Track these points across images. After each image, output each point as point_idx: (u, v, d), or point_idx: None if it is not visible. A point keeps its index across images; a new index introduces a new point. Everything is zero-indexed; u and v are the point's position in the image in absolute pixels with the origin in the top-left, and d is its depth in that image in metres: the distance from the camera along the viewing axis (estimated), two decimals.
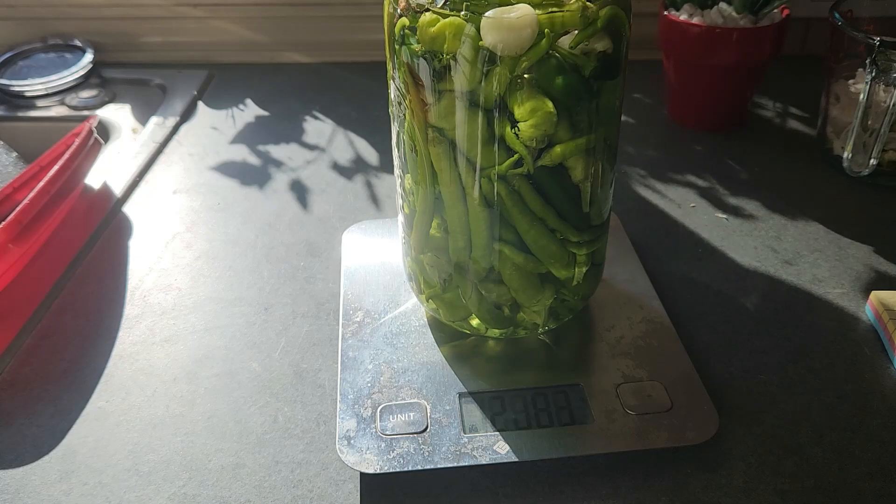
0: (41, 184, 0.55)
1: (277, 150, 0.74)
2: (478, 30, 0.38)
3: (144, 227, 0.63)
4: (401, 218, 0.49)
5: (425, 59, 0.40)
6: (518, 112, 0.40)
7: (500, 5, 0.38)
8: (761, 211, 0.64)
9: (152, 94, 0.85)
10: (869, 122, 0.59)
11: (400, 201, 0.48)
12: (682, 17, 0.71)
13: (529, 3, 0.38)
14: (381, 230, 0.60)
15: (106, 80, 0.87)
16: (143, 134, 0.76)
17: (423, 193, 0.45)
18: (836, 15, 0.66)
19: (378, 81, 0.85)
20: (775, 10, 0.70)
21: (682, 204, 0.65)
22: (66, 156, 0.58)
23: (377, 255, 0.57)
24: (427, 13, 0.39)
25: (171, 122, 0.78)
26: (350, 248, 0.58)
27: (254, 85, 0.86)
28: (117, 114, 0.81)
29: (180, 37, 0.90)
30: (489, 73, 0.39)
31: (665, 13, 0.72)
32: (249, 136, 0.76)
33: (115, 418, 0.47)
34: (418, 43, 0.40)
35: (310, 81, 0.87)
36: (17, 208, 0.53)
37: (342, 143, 0.75)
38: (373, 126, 0.78)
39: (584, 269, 0.47)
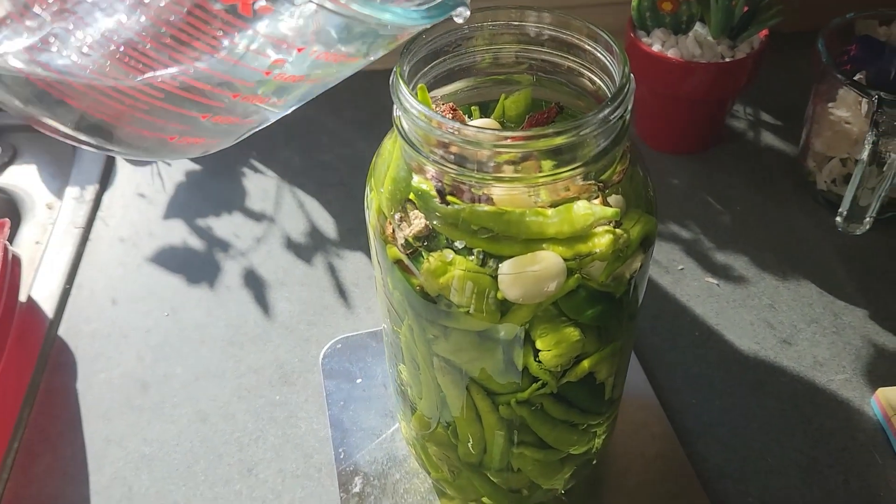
0: None
1: (220, 225, 0.66)
2: (495, 279, 0.32)
3: (87, 361, 0.56)
4: (390, 367, 0.44)
5: (431, 300, 0.34)
6: (541, 343, 0.35)
7: (515, 243, 0.32)
8: (751, 270, 0.61)
9: (59, 146, 0.74)
10: (867, 185, 0.56)
11: (390, 366, 0.44)
12: (655, 46, 0.64)
13: (551, 242, 0.32)
14: (361, 350, 0.55)
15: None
16: (62, 216, 0.66)
17: (427, 404, 0.40)
18: (821, 45, 0.61)
19: (318, 110, 0.77)
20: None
21: (670, 266, 0.62)
22: None
23: (363, 388, 0.53)
24: (429, 258, 0.33)
25: (91, 192, 0.69)
26: (331, 379, 0.53)
27: None
28: (24, 181, 0.71)
29: None
30: (508, 314, 0.34)
31: (635, 39, 0.65)
32: (184, 204, 0.68)
33: None
34: (421, 281, 0.34)
35: None
36: None
37: (291, 207, 0.67)
38: (320, 178, 0.70)
39: (604, 437, 0.44)
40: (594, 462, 0.46)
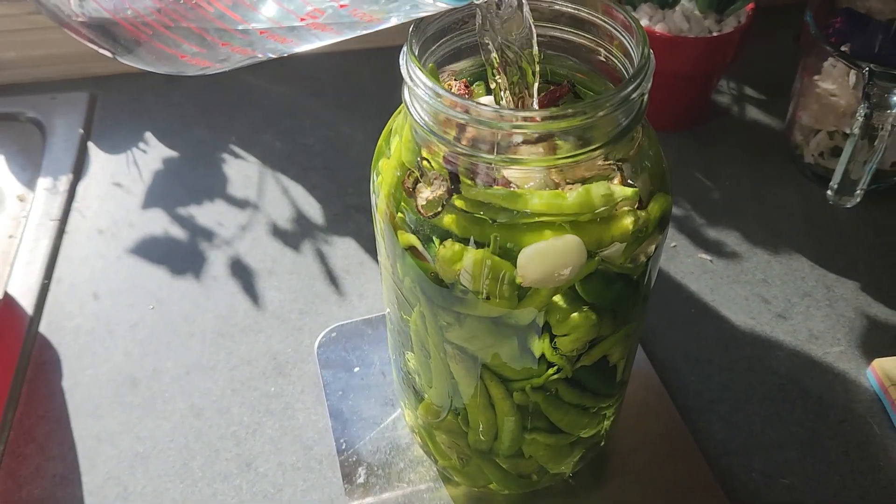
0: None
1: (202, 213, 0.64)
2: (512, 264, 0.31)
3: (72, 358, 0.54)
4: (395, 356, 0.44)
5: (445, 286, 0.33)
6: (558, 328, 0.34)
7: (533, 226, 0.31)
8: (743, 245, 0.61)
9: (28, 135, 0.71)
10: (859, 158, 0.56)
11: (395, 354, 0.43)
12: (643, 21, 0.64)
13: (570, 225, 0.31)
14: (356, 338, 0.54)
15: None
16: (35, 207, 0.64)
17: (437, 392, 0.39)
18: (809, 17, 0.61)
19: (298, 92, 0.75)
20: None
21: None
22: None
23: (361, 377, 0.52)
24: (444, 245, 0.32)
25: (64, 182, 0.66)
26: (327, 368, 0.52)
27: (147, 107, 0.74)
28: None
29: (44, 49, 0.75)
30: (525, 299, 0.33)
31: None
32: (163, 192, 0.66)
33: None
34: (435, 267, 0.33)
35: (214, 96, 0.75)
36: None
37: (275, 193, 0.66)
38: (304, 162, 0.68)
39: (613, 419, 0.44)
40: (602, 444, 0.45)
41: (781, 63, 0.71)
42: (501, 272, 0.31)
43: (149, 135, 0.71)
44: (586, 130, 0.30)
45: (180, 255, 0.61)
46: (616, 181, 0.32)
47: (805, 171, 0.66)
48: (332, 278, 0.59)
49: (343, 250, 0.61)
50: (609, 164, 0.31)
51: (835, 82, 0.62)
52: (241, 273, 0.60)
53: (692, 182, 0.66)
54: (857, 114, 0.55)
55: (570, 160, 0.30)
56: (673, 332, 0.55)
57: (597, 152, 0.30)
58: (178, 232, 0.63)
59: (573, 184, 0.32)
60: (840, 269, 0.59)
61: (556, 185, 0.32)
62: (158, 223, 0.63)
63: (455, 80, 0.34)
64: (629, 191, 0.31)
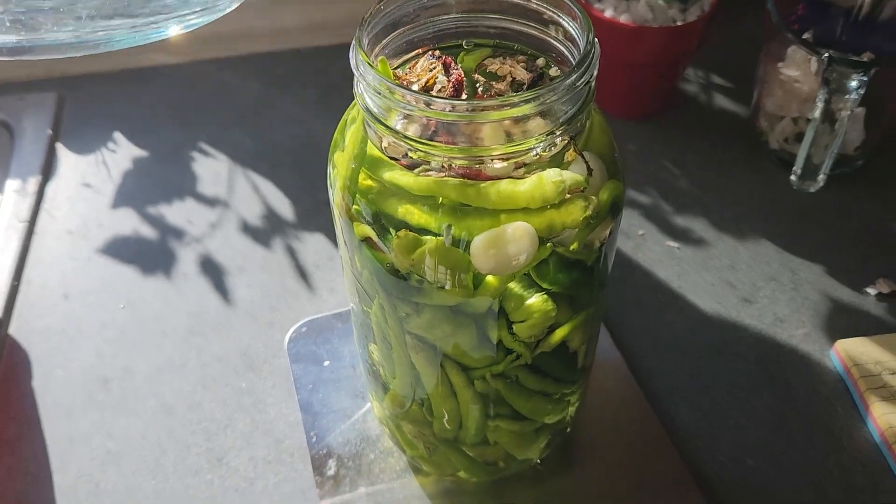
0: None
1: (172, 212, 0.64)
2: (467, 252, 0.32)
3: (42, 359, 0.54)
4: (359, 348, 0.44)
5: (401, 277, 0.33)
6: (514, 314, 0.35)
7: (485, 214, 0.32)
8: (710, 232, 0.62)
9: None
10: (820, 143, 0.57)
11: (359, 346, 0.43)
12: (608, 11, 0.64)
13: (522, 212, 0.32)
14: (327, 332, 0.54)
15: None
16: (4, 210, 0.64)
17: (400, 382, 0.39)
18: (770, 5, 0.61)
19: (266, 89, 0.75)
20: None
21: (630, 232, 0.62)
22: None
23: (331, 370, 0.52)
24: (399, 235, 0.32)
25: (33, 184, 0.66)
26: (298, 363, 0.52)
27: (116, 107, 0.73)
28: None
29: None
30: (481, 287, 0.33)
31: (587, 5, 0.65)
32: (133, 192, 0.66)
33: None
34: (391, 258, 0.33)
35: (184, 93, 0.75)
36: None
37: (245, 191, 0.66)
38: (273, 158, 0.68)
39: (577, 405, 0.44)
40: (568, 430, 0.46)
41: (747, 50, 0.72)
42: (456, 261, 0.32)
43: (118, 134, 0.71)
44: (534, 117, 0.30)
45: (151, 255, 0.61)
46: (571, 157, 0.32)
47: (770, 157, 0.67)
48: (303, 273, 0.59)
49: (313, 245, 0.61)
50: (566, 143, 0.32)
51: (798, 69, 0.63)
52: (212, 271, 0.60)
53: (659, 170, 0.67)
54: (817, 99, 0.55)
55: (518, 147, 0.30)
56: (641, 319, 0.56)
57: (545, 139, 0.31)
58: (148, 231, 0.63)
59: (524, 167, 0.32)
60: (804, 252, 0.60)
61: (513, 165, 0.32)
62: (128, 223, 0.63)
63: (436, 57, 0.34)
64: (580, 178, 0.32)
